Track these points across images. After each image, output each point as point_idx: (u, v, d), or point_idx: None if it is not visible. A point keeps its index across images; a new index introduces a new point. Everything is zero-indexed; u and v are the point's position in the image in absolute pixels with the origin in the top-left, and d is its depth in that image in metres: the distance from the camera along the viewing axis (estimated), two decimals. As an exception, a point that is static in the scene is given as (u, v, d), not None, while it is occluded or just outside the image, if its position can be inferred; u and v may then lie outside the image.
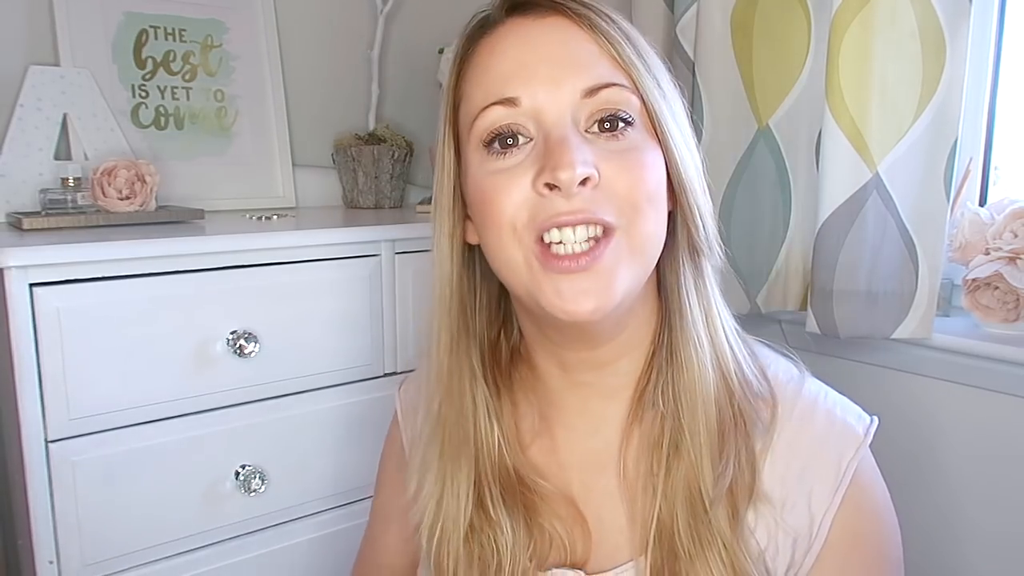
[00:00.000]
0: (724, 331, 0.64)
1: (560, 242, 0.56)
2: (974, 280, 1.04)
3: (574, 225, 0.56)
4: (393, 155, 1.40)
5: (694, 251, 0.63)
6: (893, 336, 1.05)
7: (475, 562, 0.66)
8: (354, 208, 1.43)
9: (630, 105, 0.58)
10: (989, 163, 1.15)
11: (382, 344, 1.12)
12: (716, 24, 1.14)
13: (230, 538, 1.02)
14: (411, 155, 1.45)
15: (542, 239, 0.57)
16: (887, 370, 1.13)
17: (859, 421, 0.64)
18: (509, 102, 0.58)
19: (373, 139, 1.41)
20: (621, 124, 0.58)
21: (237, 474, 1.01)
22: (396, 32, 1.53)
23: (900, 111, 1.00)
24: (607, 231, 0.57)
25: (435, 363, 0.67)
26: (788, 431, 0.63)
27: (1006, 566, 1.04)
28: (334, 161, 1.45)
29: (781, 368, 0.67)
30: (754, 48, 1.15)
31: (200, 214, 1.14)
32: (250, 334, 0.99)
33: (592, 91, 0.57)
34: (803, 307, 1.18)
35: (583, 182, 0.55)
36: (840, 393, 0.67)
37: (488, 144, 0.59)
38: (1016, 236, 1.02)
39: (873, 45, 0.99)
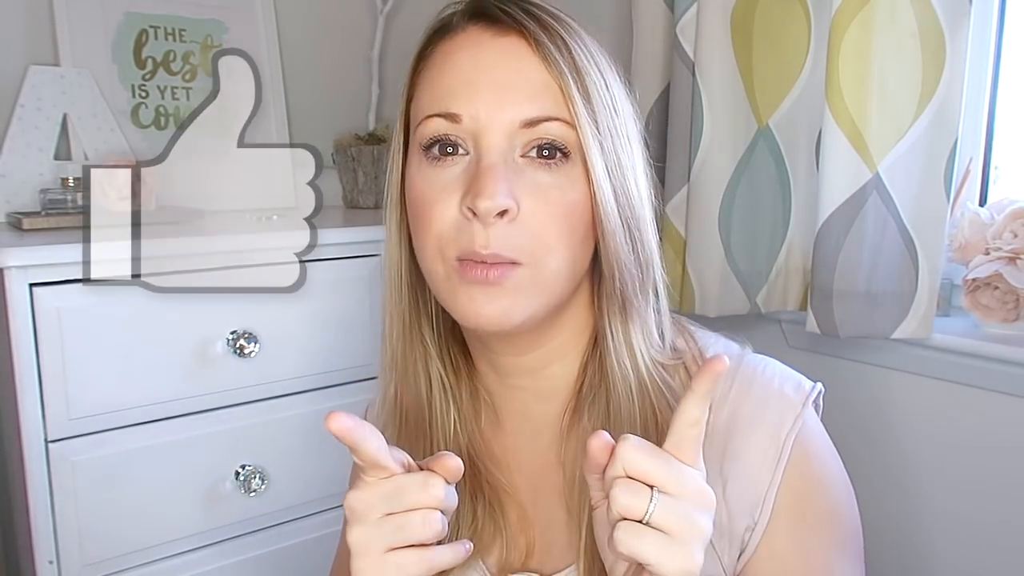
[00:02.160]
0: (644, 365, 0.64)
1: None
2: (974, 280, 1.04)
3: (485, 261, 0.58)
4: (393, 155, 1.40)
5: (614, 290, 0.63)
6: (893, 336, 1.05)
7: None
8: (354, 208, 1.43)
9: (568, 139, 0.59)
10: (989, 163, 1.15)
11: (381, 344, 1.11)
12: (716, 24, 1.14)
13: (230, 538, 1.02)
14: (411, 155, 1.44)
15: (461, 259, 0.59)
16: (887, 370, 1.13)
17: (797, 390, 0.64)
18: (451, 117, 0.59)
19: (373, 139, 1.41)
20: (559, 154, 0.59)
21: (237, 474, 1.01)
22: (396, 32, 1.53)
23: (900, 111, 1.00)
24: (516, 266, 0.59)
25: (388, 349, 0.69)
26: (725, 411, 0.63)
27: (1005, 565, 1.04)
28: (334, 161, 1.45)
29: (720, 349, 0.68)
30: (754, 48, 1.15)
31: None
32: (250, 334, 0.99)
33: (532, 122, 0.58)
34: (803, 307, 1.18)
35: (501, 214, 0.57)
36: (787, 365, 0.67)
37: (427, 148, 0.61)
38: (1016, 236, 1.02)
39: (873, 45, 0.99)
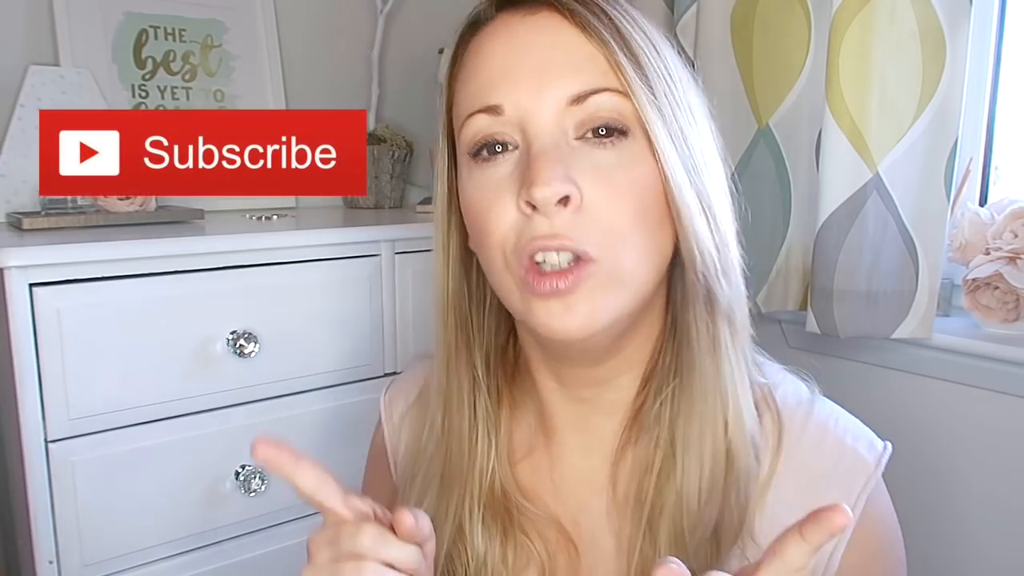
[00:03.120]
0: (730, 376, 0.58)
1: (545, 262, 0.54)
2: (974, 280, 1.04)
3: (554, 250, 0.53)
4: (393, 155, 1.40)
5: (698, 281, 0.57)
6: (893, 336, 1.05)
7: None
8: (354, 208, 1.43)
9: (623, 113, 0.54)
10: (989, 163, 1.15)
11: (382, 344, 1.12)
12: (716, 24, 1.15)
13: (230, 538, 1.02)
14: (411, 155, 1.45)
15: (532, 258, 0.54)
16: (887, 370, 1.13)
17: (870, 450, 0.61)
18: (492, 110, 0.55)
19: (373, 139, 1.41)
20: (616, 133, 0.54)
21: (237, 474, 1.01)
22: (396, 32, 1.53)
23: (900, 111, 1.00)
24: (587, 260, 0.53)
25: (437, 378, 0.64)
26: (795, 461, 0.60)
27: (1005, 565, 1.04)
28: (334, 161, 1.45)
29: (790, 391, 0.63)
30: (754, 48, 1.15)
31: (200, 214, 1.14)
32: (250, 334, 0.99)
33: (579, 98, 0.53)
34: (803, 307, 1.18)
35: (563, 202, 0.52)
36: (851, 415, 0.64)
37: (475, 155, 0.56)
38: (1016, 236, 1.02)
39: (873, 45, 0.99)
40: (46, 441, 0.88)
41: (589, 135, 0.54)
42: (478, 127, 0.55)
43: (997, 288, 1.03)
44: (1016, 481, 1.02)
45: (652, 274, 0.56)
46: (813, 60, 1.12)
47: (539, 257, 0.53)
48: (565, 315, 0.53)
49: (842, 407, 0.64)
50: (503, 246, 0.55)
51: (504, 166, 0.55)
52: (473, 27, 0.58)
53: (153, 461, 0.95)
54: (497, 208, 0.54)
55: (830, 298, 1.05)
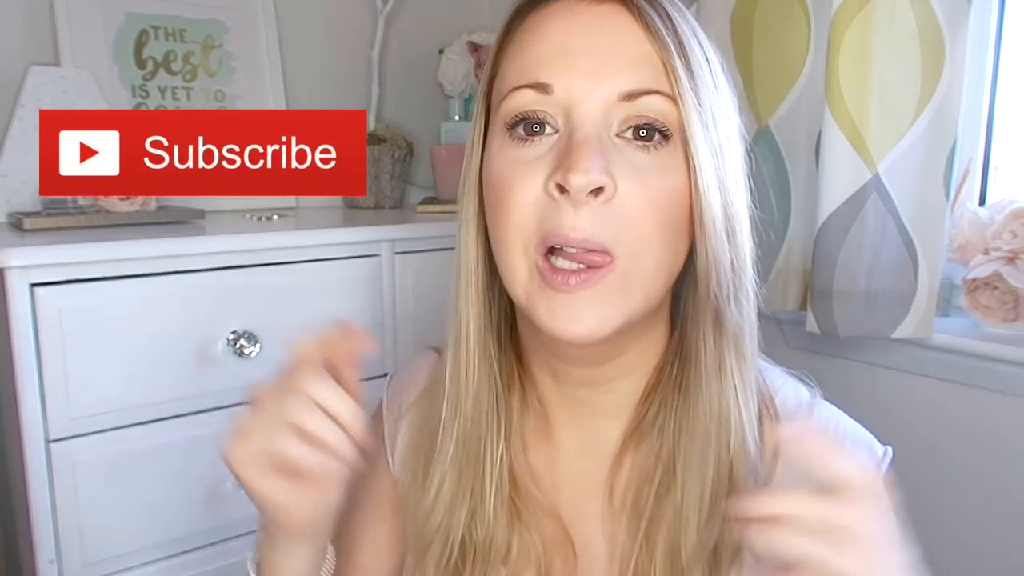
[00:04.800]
0: (735, 403, 0.57)
1: (562, 249, 0.53)
2: (974, 280, 1.04)
3: (575, 246, 0.52)
4: (393, 155, 1.40)
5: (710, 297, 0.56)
6: (893, 336, 1.05)
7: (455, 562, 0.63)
8: (354, 208, 1.43)
9: (669, 118, 0.53)
10: (989, 163, 1.15)
11: (382, 344, 1.12)
12: (716, 24, 1.15)
13: (230, 538, 1.02)
14: (411, 155, 1.45)
15: (548, 254, 0.54)
16: (887, 370, 1.13)
17: (870, 455, 0.61)
18: (541, 88, 0.53)
19: (373, 139, 1.41)
20: (658, 136, 0.53)
21: (237, 474, 1.01)
22: (396, 32, 1.53)
23: (900, 111, 1.01)
24: (609, 259, 0.53)
25: (451, 364, 0.62)
26: (793, 467, 0.59)
27: (1005, 565, 1.04)
28: (334, 161, 1.45)
29: (790, 394, 0.63)
30: (754, 48, 1.15)
31: (200, 214, 1.14)
32: (250, 334, 0.99)
33: (632, 95, 0.53)
34: (803, 307, 1.18)
35: (595, 192, 0.51)
36: (852, 418, 0.63)
37: (512, 127, 0.55)
38: (1015, 236, 1.02)
39: (873, 45, 0.99)
40: (47, 441, 0.88)
41: (630, 134, 0.54)
42: (523, 101, 0.54)
43: (996, 288, 1.03)
44: (1016, 481, 1.02)
45: (664, 283, 0.56)
46: (813, 60, 1.12)
47: (556, 244, 0.53)
48: (570, 319, 0.53)
49: (842, 408, 0.64)
50: (521, 226, 0.54)
51: (539, 147, 0.54)
52: (532, 3, 0.57)
53: (153, 461, 0.95)
54: (523, 185, 0.53)
55: (830, 298, 1.05)
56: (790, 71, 1.14)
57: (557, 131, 0.54)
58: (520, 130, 0.54)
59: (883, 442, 0.62)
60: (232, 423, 0.53)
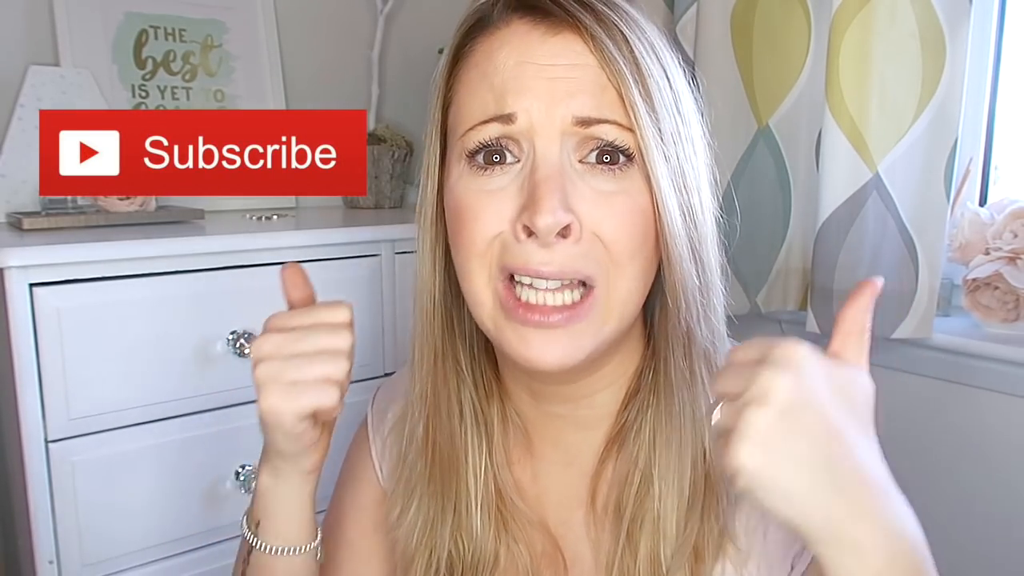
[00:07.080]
0: (706, 398, 0.58)
1: (531, 285, 0.53)
2: (974, 280, 1.04)
3: (548, 278, 0.52)
4: (393, 155, 1.40)
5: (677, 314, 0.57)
6: (893, 336, 1.05)
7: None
8: (354, 208, 1.43)
9: (629, 142, 0.53)
10: (989, 163, 1.15)
11: (382, 344, 1.12)
12: (716, 24, 1.15)
13: (230, 538, 1.02)
14: (411, 155, 1.45)
15: (512, 279, 0.54)
16: (887, 370, 1.13)
17: None
18: (505, 119, 0.53)
19: (373, 139, 1.41)
20: (622, 158, 0.53)
21: (237, 474, 1.01)
22: (396, 32, 1.53)
23: (900, 111, 1.01)
24: (587, 290, 0.53)
25: (418, 382, 0.62)
26: None
27: (1005, 565, 1.03)
28: (334, 161, 1.45)
29: None
30: (754, 48, 1.15)
31: (200, 214, 1.14)
32: (250, 334, 0.99)
33: (587, 122, 0.53)
34: (803, 307, 1.18)
35: (563, 233, 0.51)
36: None
37: (472, 155, 0.55)
38: (1016, 236, 1.02)
39: (873, 45, 0.99)
40: (46, 441, 0.88)
41: (593, 159, 0.54)
42: (488, 133, 0.54)
43: (997, 288, 1.03)
44: (1016, 481, 1.02)
45: (638, 303, 0.56)
46: (813, 60, 1.12)
47: (526, 280, 0.53)
48: (544, 347, 0.53)
49: None
50: (483, 256, 0.54)
51: (501, 178, 0.54)
52: (481, 26, 0.57)
53: (153, 461, 0.95)
54: (487, 216, 0.54)
55: (830, 298, 1.05)
56: (790, 71, 1.14)
57: (519, 159, 0.54)
58: (480, 159, 0.55)
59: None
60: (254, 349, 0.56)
